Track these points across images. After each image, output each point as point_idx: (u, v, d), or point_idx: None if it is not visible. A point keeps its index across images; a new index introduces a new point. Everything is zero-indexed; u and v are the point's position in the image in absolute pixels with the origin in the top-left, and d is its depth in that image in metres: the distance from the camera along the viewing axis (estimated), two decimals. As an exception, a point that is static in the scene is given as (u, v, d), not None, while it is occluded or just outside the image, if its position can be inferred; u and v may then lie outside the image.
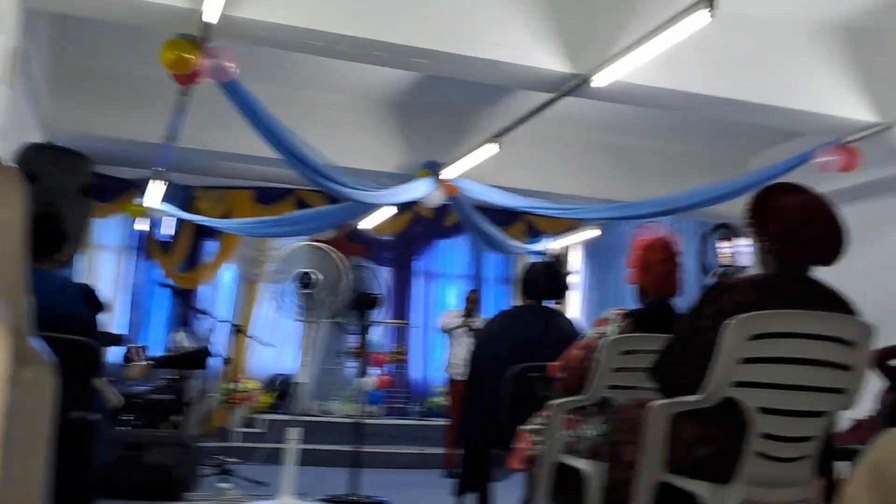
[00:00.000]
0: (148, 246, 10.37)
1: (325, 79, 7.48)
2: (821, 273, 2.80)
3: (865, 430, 5.21)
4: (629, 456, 2.96)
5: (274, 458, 7.58)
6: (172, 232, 10.41)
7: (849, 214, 2.99)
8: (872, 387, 2.90)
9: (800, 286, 2.75)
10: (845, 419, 4.13)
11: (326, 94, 7.82)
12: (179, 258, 10.43)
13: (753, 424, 2.59)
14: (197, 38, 5.09)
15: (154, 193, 8.79)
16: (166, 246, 10.38)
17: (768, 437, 2.62)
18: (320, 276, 5.80)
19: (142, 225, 10.08)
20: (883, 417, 4.79)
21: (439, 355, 11.43)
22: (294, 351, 10.21)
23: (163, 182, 8.66)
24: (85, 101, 7.20)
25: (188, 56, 5.07)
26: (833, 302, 2.76)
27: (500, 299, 11.79)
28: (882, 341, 2.83)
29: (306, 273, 5.78)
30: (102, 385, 4.66)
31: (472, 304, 9.01)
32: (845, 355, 2.68)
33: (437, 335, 11.49)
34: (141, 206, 9.14)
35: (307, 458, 6.73)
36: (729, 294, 2.71)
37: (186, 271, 10.48)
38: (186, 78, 5.30)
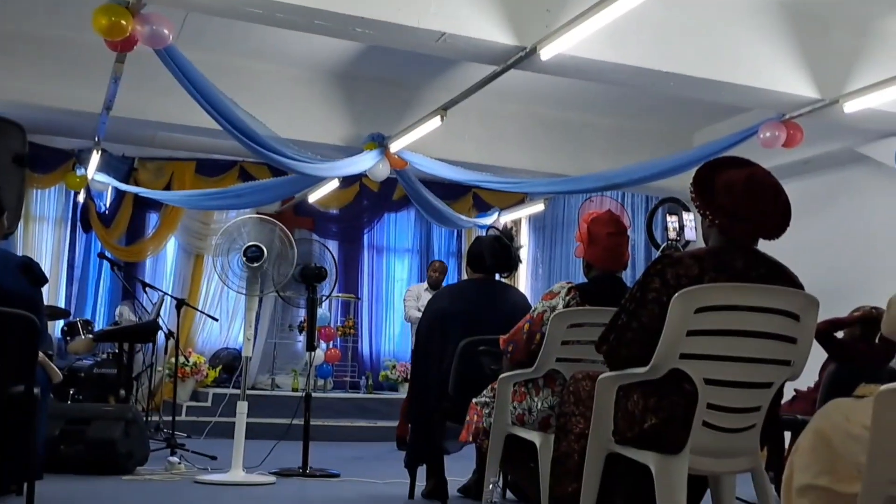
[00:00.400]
0: (87, 218, 10.17)
1: (268, 48, 7.37)
2: (765, 247, 2.84)
3: (803, 400, 5.34)
4: (578, 427, 2.99)
5: (222, 431, 7.56)
6: (113, 204, 10.23)
7: (792, 189, 3.04)
8: (814, 359, 2.95)
9: (745, 259, 2.78)
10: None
11: (270, 65, 7.70)
12: (120, 231, 10.25)
13: (700, 396, 2.63)
14: (130, 3, 4.98)
15: (92, 164, 8.63)
16: (106, 218, 10.19)
17: (715, 408, 2.66)
18: (267, 250, 5.74)
19: (81, 196, 9.89)
20: (824, 388, 4.91)
21: (388, 329, 11.48)
22: (241, 325, 10.15)
23: (101, 152, 8.51)
24: (17, 67, 6.96)
25: (121, 22, 4.96)
26: (778, 275, 2.80)
27: (449, 273, 11.83)
28: (824, 314, 2.88)
29: (253, 246, 5.71)
30: (44, 360, 4.58)
31: (437, 273, 8.74)
32: (790, 328, 2.73)
33: (387, 309, 11.53)
34: (79, 177, 8.97)
35: (256, 432, 6.72)
36: (673, 267, 2.73)
37: (128, 244, 10.31)
38: (121, 44, 5.19)
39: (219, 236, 5.84)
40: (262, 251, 5.70)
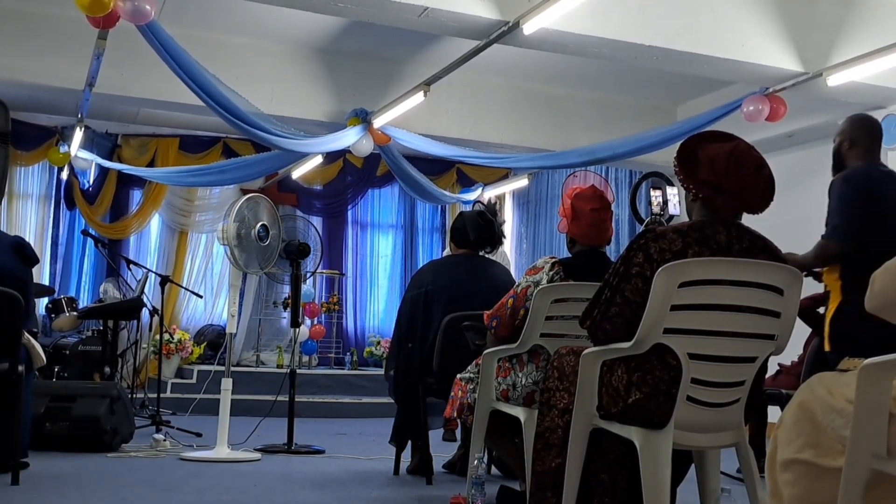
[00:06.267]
0: (71, 195, 10.08)
1: (250, 24, 7.29)
2: (749, 221, 2.83)
3: (787, 375, 5.35)
4: (562, 402, 2.98)
5: (207, 408, 7.53)
6: (96, 181, 10.14)
7: (776, 163, 3.02)
8: (798, 333, 2.94)
9: (728, 233, 2.76)
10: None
11: (252, 40, 7.62)
12: (104, 208, 10.17)
13: (684, 370, 2.62)
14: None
15: (76, 141, 8.55)
16: (90, 195, 10.11)
17: (699, 382, 2.65)
18: (273, 229, 5.70)
19: (64, 173, 9.80)
20: (808, 362, 4.91)
21: (373, 304, 11.48)
22: (225, 301, 10.11)
23: (84, 129, 8.43)
24: (-1, 44, 6.91)
25: (103, -3, 4.90)
26: (761, 249, 2.79)
27: (432, 248, 11.82)
28: (807, 289, 2.87)
29: (263, 225, 5.67)
30: (29, 343, 4.55)
31: None
32: (774, 302, 2.71)
33: (371, 284, 11.53)
34: (62, 153, 8.88)
35: (241, 409, 6.70)
36: (656, 242, 2.71)
37: (112, 221, 10.24)
38: (103, 20, 5.12)
39: (232, 218, 5.66)
40: (273, 231, 5.69)
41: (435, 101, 7.26)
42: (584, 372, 2.81)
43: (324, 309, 10.62)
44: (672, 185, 4.85)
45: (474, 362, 3.93)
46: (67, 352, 7.75)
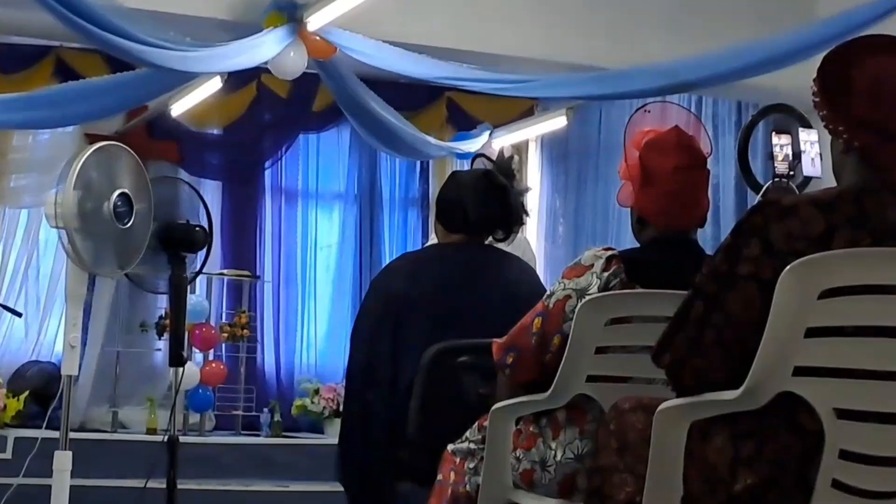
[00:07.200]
0: None
1: None
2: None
3: None
4: (625, 491, 2.98)
5: (31, 500, 7.54)
6: None
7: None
8: None
9: (898, 208, 2.77)
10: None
11: None
12: None
13: (828, 437, 2.62)
14: None
15: None
16: None
17: (853, 457, 2.66)
18: (140, 202, 5.70)
19: None
20: None
21: (308, 326, 11.42)
22: (59, 323, 10.09)
23: None
24: None
25: None
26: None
27: (407, 234, 11.81)
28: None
29: (121, 195, 5.66)
30: None
31: None
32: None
33: (304, 293, 11.45)
34: None
35: (89, 502, 6.69)
36: (782, 220, 2.71)
37: None
38: None
39: (71, 183, 5.66)
40: (132, 204, 5.67)
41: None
42: (660, 440, 2.82)
43: (226, 335, 10.63)
44: (809, 126, 4.88)
45: (476, 424, 3.94)
46: None
